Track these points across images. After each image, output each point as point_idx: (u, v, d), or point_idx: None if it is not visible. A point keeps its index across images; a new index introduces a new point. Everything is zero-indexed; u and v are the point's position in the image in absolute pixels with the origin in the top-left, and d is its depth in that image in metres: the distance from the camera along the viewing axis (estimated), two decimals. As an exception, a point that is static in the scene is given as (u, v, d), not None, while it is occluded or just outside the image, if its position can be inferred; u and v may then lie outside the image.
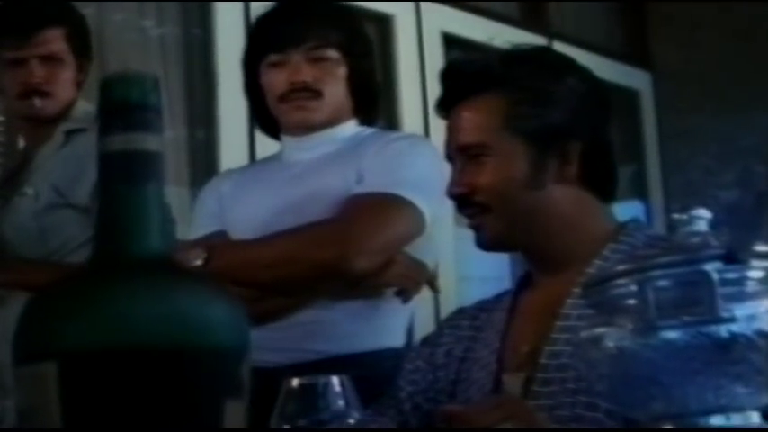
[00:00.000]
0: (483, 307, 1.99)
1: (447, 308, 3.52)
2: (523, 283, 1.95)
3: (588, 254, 1.80)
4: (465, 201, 1.87)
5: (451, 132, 1.91)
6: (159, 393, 0.79)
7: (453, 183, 1.88)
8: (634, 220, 1.92)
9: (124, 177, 0.84)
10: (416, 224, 2.36)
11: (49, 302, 0.83)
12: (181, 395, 0.79)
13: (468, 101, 1.87)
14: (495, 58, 1.92)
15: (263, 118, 2.60)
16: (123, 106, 0.84)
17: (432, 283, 2.64)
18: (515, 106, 1.83)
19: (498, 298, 1.98)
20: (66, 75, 2.84)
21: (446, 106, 1.93)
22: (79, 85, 2.89)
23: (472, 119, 1.86)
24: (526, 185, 1.82)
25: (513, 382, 1.78)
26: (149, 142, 0.84)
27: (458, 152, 1.88)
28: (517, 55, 1.92)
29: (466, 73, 1.92)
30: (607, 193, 1.91)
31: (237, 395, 0.82)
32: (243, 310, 0.86)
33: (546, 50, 2.04)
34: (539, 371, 1.73)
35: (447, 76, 1.96)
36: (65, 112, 2.85)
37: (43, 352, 0.80)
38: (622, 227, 1.87)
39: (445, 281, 4.05)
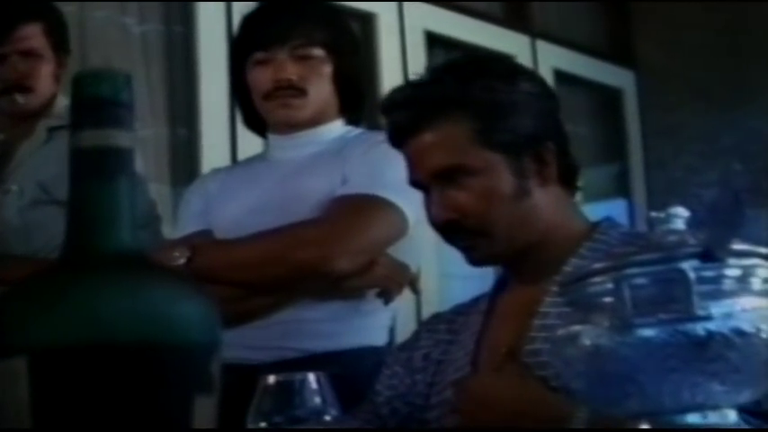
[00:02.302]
0: (460, 311, 1.99)
1: (429, 306, 3.53)
2: (500, 286, 1.94)
3: (565, 253, 1.79)
4: (454, 226, 1.82)
5: (419, 160, 1.85)
6: (129, 389, 0.79)
7: (439, 209, 1.82)
8: (607, 219, 1.92)
9: (95, 173, 0.84)
10: (399, 226, 2.36)
11: (20, 298, 0.84)
12: (150, 391, 0.79)
13: (428, 128, 1.82)
14: (447, 80, 1.84)
15: (250, 116, 2.60)
16: (95, 102, 0.84)
17: (413, 284, 2.64)
18: (483, 122, 1.79)
19: (475, 301, 1.97)
20: (46, 69, 2.85)
21: (401, 137, 1.88)
22: (58, 79, 2.89)
23: (443, 144, 1.81)
24: (515, 197, 1.80)
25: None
26: (120, 138, 0.84)
27: (434, 178, 1.82)
28: (467, 70, 1.87)
29: (420, 100, 1.85)
30: (575, 189, 1.91)
31: (207, 391, 0.82)
32: (214, 306, 0.86)
33: (489, 58, 2.00)
34: (525, 356, 1.72)
35: (398, 106, 1.89)
36: (46, 108, 2.86)
37: (13, 348, 0.80)
38: (596, 225, 1.87)
39: (427, 279, 4.05)
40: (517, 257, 1.85)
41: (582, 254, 1.78)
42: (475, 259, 1.87)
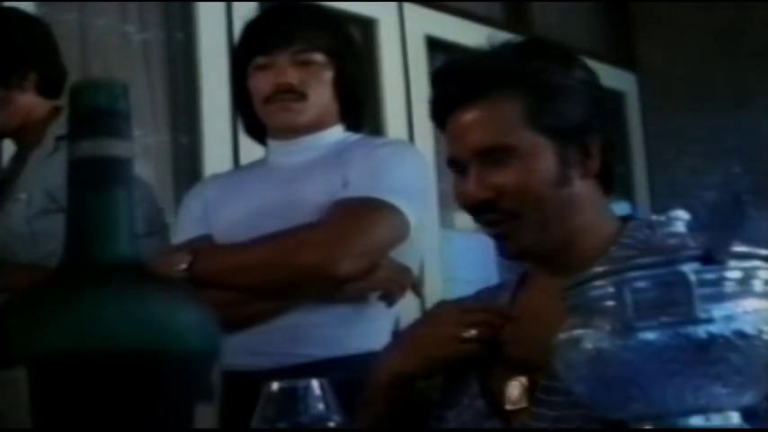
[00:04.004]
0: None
1: (432, 311, 3.51)
2: (521, 282, 1.89)
3: (596, 254, 1.69)
4: (489, 207, 1.76)
5: (463, 134, 1.78)
6: (129, 398, 0.79)
7: (477, 187, 1.76)
8: (633, 218, 1.87)
9: (93, 183, 0.85)
10: (401, 228, 2.36)
11: (19, 308, 0.84)
12: (151, 399, 0.79)
13: (479, 102, 1.76)
14: (505, 54, 1.81)
15: (251, 122, 2.61)
16: (92, 112, 0.85)
17: (415, 287, 2.64)
18: (535, 103, 1.74)
19: (493, 295, 1.92)
20: None
21: (447, 110, 1.82)
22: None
23: (490, 120, 1.76)
24: (555, 183, 1.74)
25: (512, 387, 1.75)
26: (118, 148, 0.85)
27: (475, 156, 1.76)
28: (526, 49, 1.83)
29: (476, 72, 1.80)
30: (610, 188, 1.87)
31: (208, 399, 0.83)
32: (213, 314, 0.86)
33: (545, 42, 1.95)
34: (543, 377, 1.67)
35: (451, 76, 1.84)
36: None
37: (13, 357, 0.80)
38: (623, 225, 1.82)
39: (431, 283, 4.05)
40: (548, 254, 1.79)
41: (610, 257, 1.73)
42: (507, 251, 1.81)
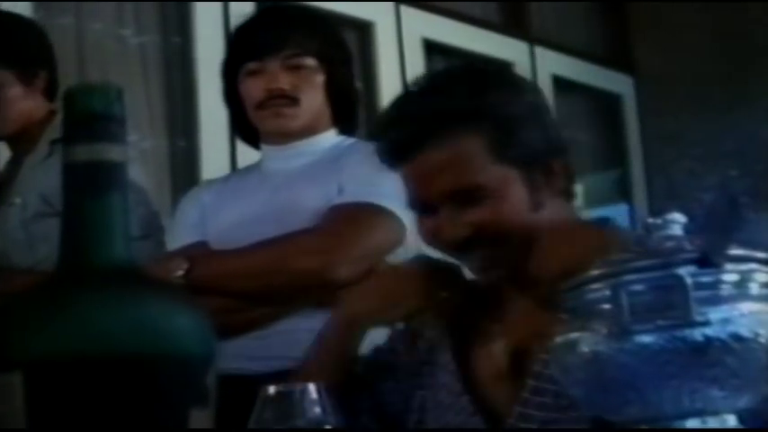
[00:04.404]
0: None
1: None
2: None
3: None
4: (471, 243, 1.71)
5: (427, 179, 1.72)
6: (125, 401, 0.79)
7: (455, 228, 1.70)
8: (607, 221, 1.86)
9: (88, 187, 0.85)
10: (397, 233, 2.36)
11: (15, 312, 0.84)
12: (146, 403, 0.80)
13: (440, 143, 1.69)
14: (458, 92, 1.73)
15: (243, 127, 2.61)
16: (87, 117, 0.85)
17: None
18: (497, 136, 1.69)
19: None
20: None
21: (406, 154, 1.74)
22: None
23: (458, 162, 1.69)
24: (529, 210, 1.71)
25: (495, 348, 1.75)
26: (113, 152, 0.85)
27: (445, 198, 1.70)
28: (477, 82, 1.77)
29: (432, 115, 1.71)
30: (571, 195, 1.86)
31: (203, 404, 0.83)
32: (207, 319, 0.86)
33: (492, 69, 1.91)
34: (530, 377, 1.65)
35: (402, 121, 1.75)
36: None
37: (8, 361, 0.80)
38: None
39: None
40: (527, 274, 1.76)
41: None
42: (490, 279, 1.79)
